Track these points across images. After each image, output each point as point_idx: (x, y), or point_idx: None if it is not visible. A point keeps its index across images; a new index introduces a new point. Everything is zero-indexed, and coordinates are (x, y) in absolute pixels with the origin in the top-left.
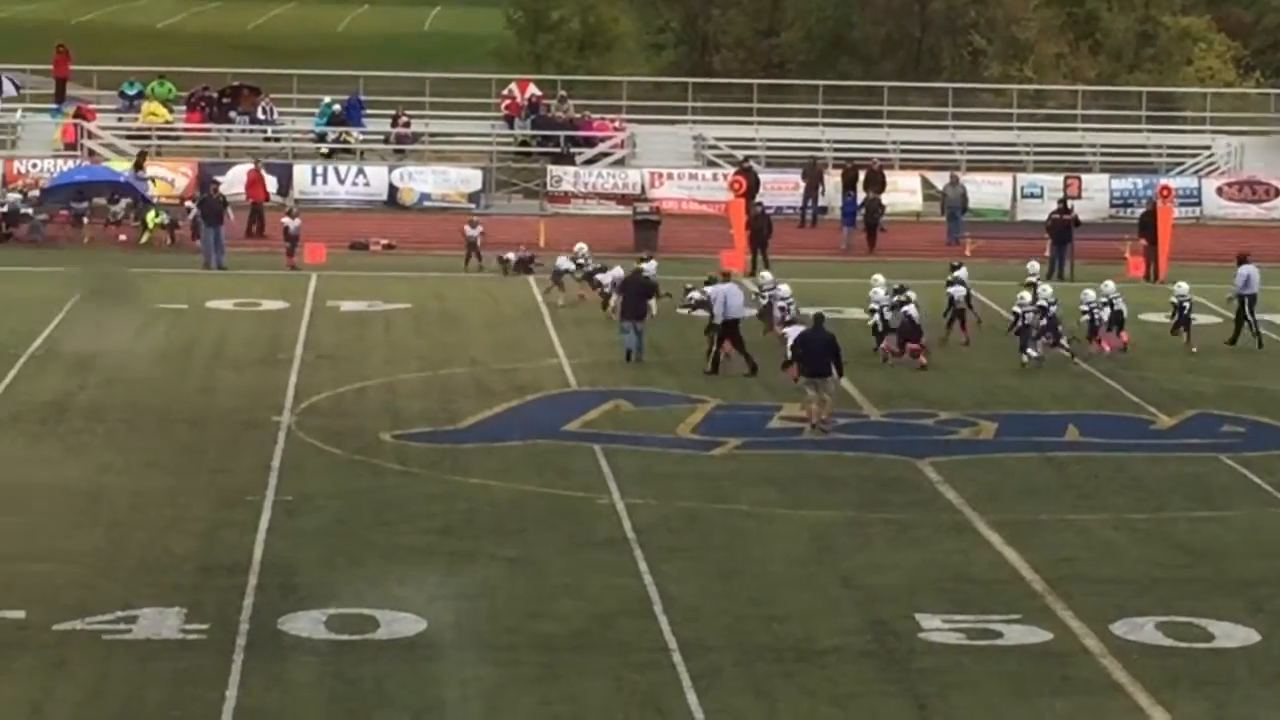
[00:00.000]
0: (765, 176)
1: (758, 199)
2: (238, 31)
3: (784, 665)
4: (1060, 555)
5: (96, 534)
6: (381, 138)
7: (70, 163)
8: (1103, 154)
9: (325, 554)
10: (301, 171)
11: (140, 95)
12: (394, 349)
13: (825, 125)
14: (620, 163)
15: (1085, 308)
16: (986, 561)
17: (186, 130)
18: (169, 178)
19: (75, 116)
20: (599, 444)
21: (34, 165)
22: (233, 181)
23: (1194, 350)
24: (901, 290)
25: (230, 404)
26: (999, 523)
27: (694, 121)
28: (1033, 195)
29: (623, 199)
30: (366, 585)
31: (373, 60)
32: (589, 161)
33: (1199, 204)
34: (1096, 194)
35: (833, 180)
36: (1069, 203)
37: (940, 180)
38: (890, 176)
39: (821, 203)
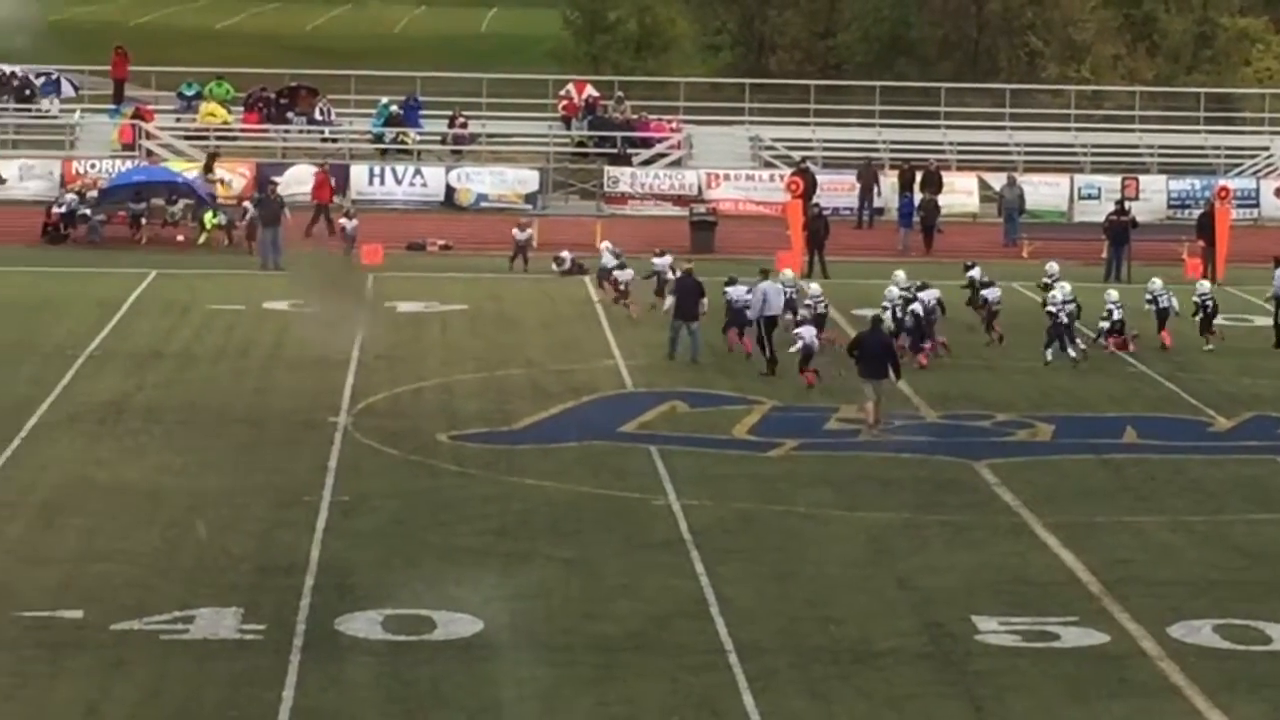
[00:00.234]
0: (822, 177)
1: (814, 200)
2: (296, 32)
3: (840, 667)
4: (1117, 557)
5: (154, 534)
6: (439, 138)
7: (128, 163)
8: (1160, 155)
9: (382, 554)
10: (359, 172)
11: (198, 96)
12: (450, 350)
13: (882, 126)
14: (677, 163)
15: (1149, 296)
16: (1043, 563)
17: (244, 131)
18: (226, 178)
19: (133, 117)
20: (655, 445)
21: (92, 166)
22: (290, 182)
23: (1209, 348)
24: (924, 287)
25: (287, 404)
26: (1056, 525)
27: (751, 122)
28: (1090, 196)
29: (679, 200)
30: (423, 586)
31: (430, 61)
32: (646, 162)
33: (1257, 205)
34: (1154, 195)
35: (889, 181)
36: (1126, 204)
37: (997, 181)
38: (947, 177)
39: (877, 204)
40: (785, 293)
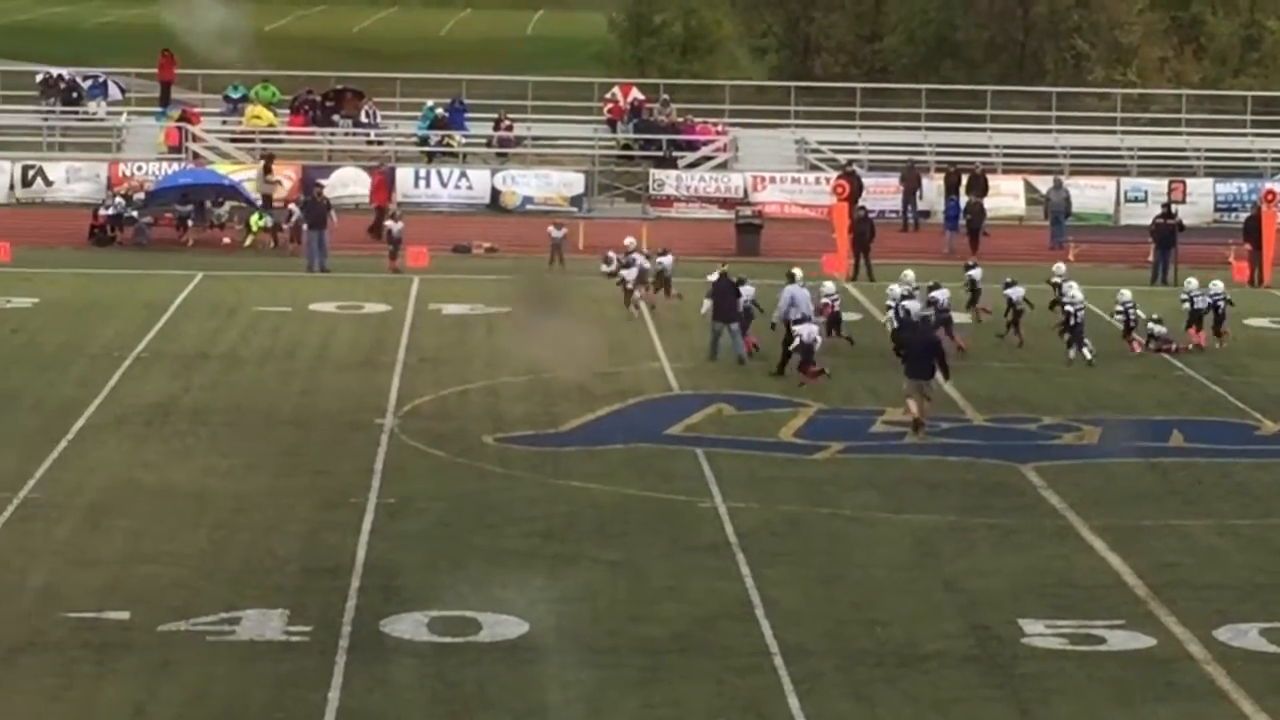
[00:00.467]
0: (867, 180)
1: (860, 203)
2: (342, 35)
3: (885, 670)
4: (1164, 561)
5: (200, 536)
6: (484, 141)
7: (175, 166)
8: (1207, 158)
9: (427, 556)
10: (404, 175)
11: (244, 98)
12: (496, 352)
13: (928, 129)
14: (723, 166)
15: (1185, 296)
16: (1089, 567)
17: (290, 133)
18: (284, 180)
19: (180, 120)
20: (701, 447)
21: (139, 168)
22: (336, 184)
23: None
24: (936, 287)
25: (333, 406)
26: (1102, 528)
27: (796, 125)
28: (1136, 200)
29: (725, 203)
30: (469, 588)
31: (475, 64)
32: (691, 165)
33: None
34: (1201, 198)
35: (935, 184)
36: (1173, 207)
37: (1043, 184)
38: (993, 180)
39: (922, 206)
40: (828, 299)
